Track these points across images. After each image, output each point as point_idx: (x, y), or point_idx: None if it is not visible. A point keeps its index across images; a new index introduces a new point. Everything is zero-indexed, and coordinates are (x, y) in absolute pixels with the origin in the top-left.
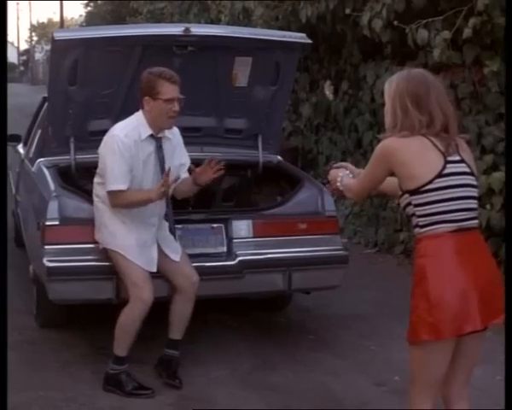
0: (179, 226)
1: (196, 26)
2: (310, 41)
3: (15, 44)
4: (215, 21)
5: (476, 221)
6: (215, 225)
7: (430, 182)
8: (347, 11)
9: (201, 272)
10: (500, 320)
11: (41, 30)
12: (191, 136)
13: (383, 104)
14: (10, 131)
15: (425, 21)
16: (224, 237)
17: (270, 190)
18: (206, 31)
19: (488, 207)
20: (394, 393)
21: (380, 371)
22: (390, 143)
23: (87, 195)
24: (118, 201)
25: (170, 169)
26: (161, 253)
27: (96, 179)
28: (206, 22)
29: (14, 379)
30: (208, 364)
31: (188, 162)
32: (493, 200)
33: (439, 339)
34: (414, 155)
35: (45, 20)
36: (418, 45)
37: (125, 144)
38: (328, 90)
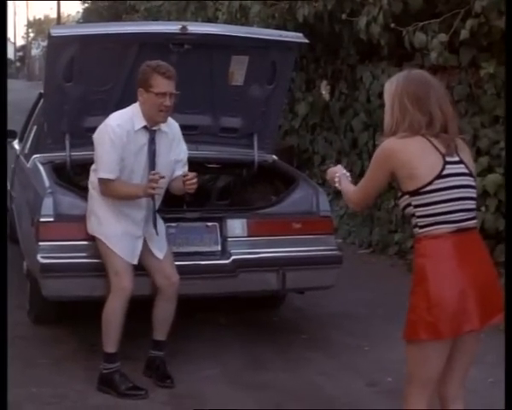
0: (173, 224)
1: (193, 24)
2: (306, 41)
3: (12, 40)
4: (212, 19)
5: (475, 221)
6: (210, 224)
7: (430, 183)
8: (344, 16)
9: (195, 270)
10: (498, 320)
11: (38, 26)
12: (187, 134)
13: (380, 105)
14: (8, 125)
15: (422, 24)
16: (219, 235)
17: (265, 189)
18: (203, 29)
19: (483, 209)
20: (386, 393)
21: (372, 371)
22: (391, 145)
23: (82, 191)
24: (106, 189)
25: (156, 172)
26: (146, 248)
27: (92, 166)
28: (203, 20)
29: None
30: (200, 362)
31: (185, 159)
32: (488, 202)
33: (437, 339)
34: (414, 156)
35: (42, 17)
36: (415, 47)
37: (116, 134)
38: (324, 90)
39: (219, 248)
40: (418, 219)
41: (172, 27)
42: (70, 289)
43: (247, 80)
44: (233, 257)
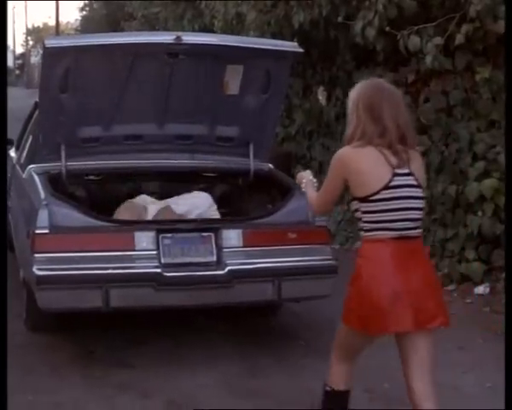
0: (168, 235)
1: (188, 34)
2: (301, 50)
3: (11, 48)
4: (209, 27)
5: (418, 231)
6: (205, 234)
7: (377, 193)
8: (339, 19)
9: (190, 281)
10: (433, 325)
11: (37, 34)
12: (182, 143)
13: None
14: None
15: (417, 28)
16: (214, 246)
17: (260, 198)
18: (198, 39)
19: (479, 213)
20: (383, 399)
21: (369, 377)
22: (344, 153)
23: (78, 202)
24: None
25: None
26: None
27: None
28: (200, 27)
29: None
30: (196, 368)
31: None
32: (484, 207)
33: (366, 333)
34: (365, 166)
35: (41, 25)
36: (410, 52)
37: None
38: (321, 96)
39: (215, 258)
40: (364, 224)
41: (167, 38)
42: (66, 300)
43: (243, 89)
44: (228, 267)
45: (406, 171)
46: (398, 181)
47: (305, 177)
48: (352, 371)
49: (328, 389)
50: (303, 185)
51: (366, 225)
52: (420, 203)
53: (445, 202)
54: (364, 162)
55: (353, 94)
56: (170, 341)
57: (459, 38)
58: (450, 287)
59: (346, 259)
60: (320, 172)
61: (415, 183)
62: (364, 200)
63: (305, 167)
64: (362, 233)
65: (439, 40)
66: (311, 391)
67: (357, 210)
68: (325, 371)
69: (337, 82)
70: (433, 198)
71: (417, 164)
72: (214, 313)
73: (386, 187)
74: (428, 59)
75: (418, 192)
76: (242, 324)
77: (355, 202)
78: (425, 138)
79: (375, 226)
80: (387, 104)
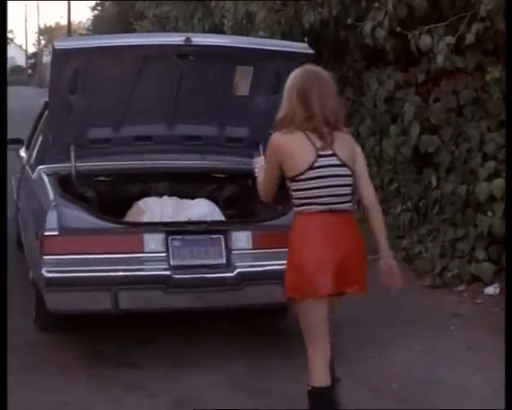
0: (178, 237)
1: (197, 35)
2: (311, 51)
3: (24, 47)
4: (219, 26)
5: (346, 205)
6: (214, 236)
7: (303, 173)
8: (349, 21)
9: (200, 283)
10: (353, 290)
11: (49, 33)
12: (192, 144)
13: (386, 111)
14: (16, 134)
15: (428, 27)
16: (223, 248)
17: None
18: (207, 40)
19: (490, 214)
20: (390, 399)
21: (377, 377)
22: (276, 139)
23: (87, 203)
24: None
25: None
26: None
27: None
28: (210, 26)
29: (10, 381)
30: (204, 369)
31: None
32: (495, 207)
33: (300, 298)
34: (293, 149)
35: (53, 24)
36: (421, 51)
37: None
38: None
39: (224, 260)
40: (294, 200)
41: (176, 39)
42: (75, 302)
43: (253, 90)
44: (238, 270)
45: (330, 152)
46: (321, 162)
47: (258, 162)
48: (328, 366)
49: (309, 388)
50: (256, 171)
51: (296, 200)
52: (345, 180)
53: (455, 202)
54: (293, 146)
55: (289, 81)
56: (178, 341)
57: (469, 38)
58: (461, 287)
59: None
60: None
61: (338, 162)
62: (293, 179)
63: None
64: (294, 208)
65: (450, 39)
66: None
67: (289, 188)
68: None
69: (347, 82)
70: (443, 198)
71: (343, 144)
72: (223, 313)
73: (311, 168)
74: (440, 58)
75: (342, 170)
76: (251, 324)
77: (287, 182)
78: (435, 138)
79: (303, 202)
80: (317, 90)
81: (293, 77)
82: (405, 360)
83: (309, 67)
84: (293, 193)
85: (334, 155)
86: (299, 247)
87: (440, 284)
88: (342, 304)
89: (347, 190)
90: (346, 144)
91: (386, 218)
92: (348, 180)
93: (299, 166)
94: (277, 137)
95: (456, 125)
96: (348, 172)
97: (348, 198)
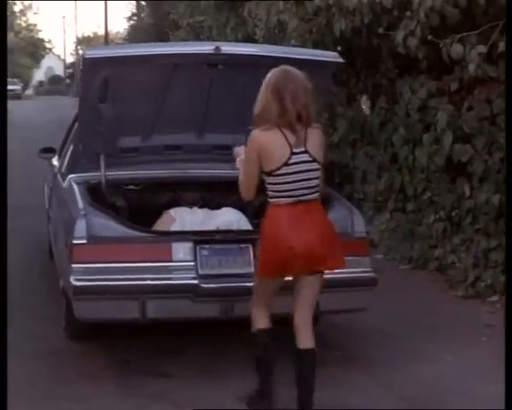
0: (206, 246)
1: (227, 44)
2: (342, 60)
3: (62, 57)
4: (251, 35)
5: (315, 195)
6: (243, 246)
7: (278, 169)
8: (381, 30)
9: (228, 292)
10: (321, 269)
11: (86, 43)
12: (221, 153)
13: (419, 120)
14: (52, 143)
15: (460, 36)
16: (252, 257)
17: None
18: (237, 49)
19: None
20: (418, 407)
21: (405, 387)
22: (254, 136)
23: (116, 212)
24: None
25: None
26: None
27: None
28: (243, 36)
29: (37, 389)
30: (231, 379)
31: None
32: None
33: (268, 277)
34: (270, 146)
35: (91, 34)
36: (453, 60)
37: None
38: (364, 105)
39: (252, 270)
40: (269, 192)
41: (206, 48)
42: (103, 311)
43: None
44: None
45: (302, 149)
46: (295, 159)
47: (240, 153)
48: (268, 313)
49: (253, 331)
50: (238, 162)
51: (271, 193)
52: (315, 173)
53: (489, 212)
54: (269, 143)
55: (266, 79)
56: (206, 350)
57: (502, 46)
58: (494, 298)
59: (388, 269)
60: (364, 182)
61: (310, 158)
62: (269, 174)
63: (349, 176)
64: (268, 200)
65: (482, 48)
66: (344, 399)
67: (264, 181)
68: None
69: (380, 90)
70: (477, 208)
71: (314, 140)
72: (251, 323)
73: (286, 164)
74: (471, 67)
75: (313, 165)
76: (280, 334)
77: (263, 175)
78: (468, 147)
79: (277, 194)
80: (290, 88)
81: (270, 76)
82: (435, 370)
83: (284, 66)
84: (268, 186)
85: (306, 151)
86: (269, 234)
87: (473, 295)
88: (374, 313)
89: (316, 182)
90: (316, 141)
91: (419, 228)
92: (317, 173)
93: (275, 162)
94: (256, 134)
95: (489, 134)
96: (317, 167)
97: (316, 189)
